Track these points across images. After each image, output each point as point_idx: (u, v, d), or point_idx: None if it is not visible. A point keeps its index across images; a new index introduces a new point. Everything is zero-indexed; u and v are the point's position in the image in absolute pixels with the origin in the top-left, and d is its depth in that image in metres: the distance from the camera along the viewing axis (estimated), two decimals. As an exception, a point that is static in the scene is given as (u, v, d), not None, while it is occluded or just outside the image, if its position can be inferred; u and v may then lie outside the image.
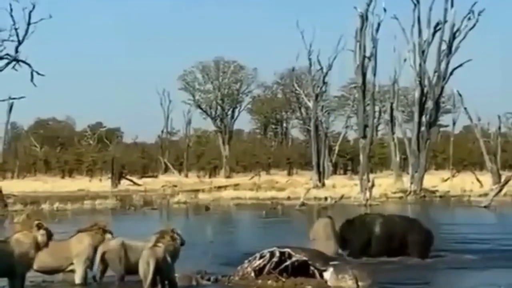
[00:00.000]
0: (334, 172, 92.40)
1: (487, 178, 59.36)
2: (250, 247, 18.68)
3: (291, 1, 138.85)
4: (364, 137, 55.66)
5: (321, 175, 65.56)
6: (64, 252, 14.34)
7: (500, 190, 46.28)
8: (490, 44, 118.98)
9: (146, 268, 13.11)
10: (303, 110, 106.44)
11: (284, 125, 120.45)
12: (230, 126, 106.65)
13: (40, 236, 12.78)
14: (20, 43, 48.13)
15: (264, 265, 15.35)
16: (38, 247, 12.83)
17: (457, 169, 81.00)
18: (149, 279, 13.07)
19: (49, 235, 13.00)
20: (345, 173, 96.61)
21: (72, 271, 14.38)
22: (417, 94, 56.02)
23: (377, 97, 68.98)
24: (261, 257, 15.46)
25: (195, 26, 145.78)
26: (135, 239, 14.12)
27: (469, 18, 54.82)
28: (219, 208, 43.12)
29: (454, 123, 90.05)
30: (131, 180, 74.71)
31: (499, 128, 70.68)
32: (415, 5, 55.12)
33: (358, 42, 55.42)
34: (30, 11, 48.25)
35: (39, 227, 12.81)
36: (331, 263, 15.01)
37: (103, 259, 13.62)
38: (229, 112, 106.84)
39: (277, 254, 15.33)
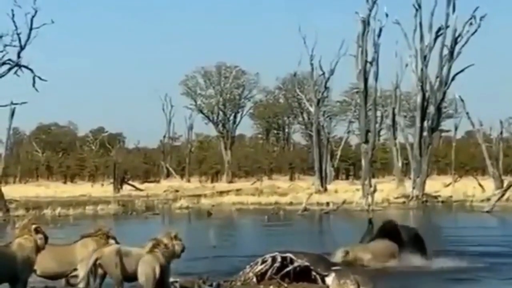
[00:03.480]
0: (336, 177, 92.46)
1: (489, 183, 59.33)
2: (252, 252, 18.69)
3: (293, 6, 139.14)
4: (366, 142, 55.65)
5: (323, 180, 65.55)
6: (69, 257, 14.32)
7: (503, 195, 46.26)
8: (492, 49, 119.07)
9: (149, 273, 13.11)
10: (305, 115, 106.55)
11: (286, 130, 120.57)
12: (232, 131, 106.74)
13: (39, 240, 12.81)
14: (22, 48, 48.15)
15: (266, 270, 15.35)
16: (38, 251, 12.86)
17: (459, 174, 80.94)
18: (152, 284, 13.10)
19: (46, 239, 13.05)
20: (347, 178, 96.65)
21: (76, 276, 14.36)
22: (419, 99, 55.98)
23: (379, 102, 69.08)
24: (263, 262, 15.46)
25: (197, 31, 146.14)
26: (131, 246, 14.08)
27: (471, 23, 54.88)
28: (221, 213, 43.13)
29: (456, 128, 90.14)
30: (133, 185, 74.76)
31: (501, 133, 70.64)
32: (416, 10, 55.15)
33: (360, 47, 55.45)
34: (32, 17, 48.24)
35: (37, 231, 12.83)
36: (333, 268, 15.01)
37: (96, 266, 13.57)
38: (231, 117, 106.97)
39: (279, 259, 15.33)
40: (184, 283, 14.86)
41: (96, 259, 13.40)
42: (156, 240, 13.54)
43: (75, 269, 14.28)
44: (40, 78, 49.03)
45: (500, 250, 22.68)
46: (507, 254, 21.44)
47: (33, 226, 12.89)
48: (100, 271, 13.48)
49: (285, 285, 15.02)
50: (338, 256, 18.17)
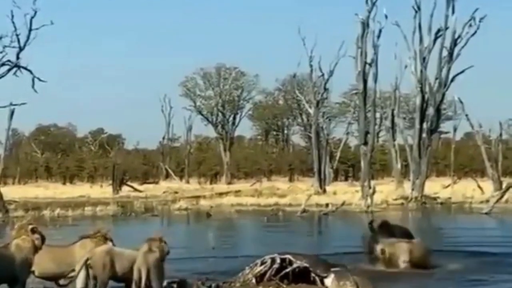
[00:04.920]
0: (335, 178, 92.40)
1: (488, 185, 59.31)
2: (251, 253, 18.68)
3: (293, 7, 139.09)
4: (365, 143, 55.62)
5: (322, 181, 65.51)
6: (67, 257, 14.31)
7: (501, 197, 46.27)
8: (492, 50, 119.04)
9: (137, 274, 13.17)
10: (304, 116, 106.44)
11: (285, 131, 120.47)
12: (231, 132, 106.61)
13: (36, 240, 12.80)
14: (21, 49, 48.11)
15: (265, 272, 15.34)
16: (35, 251, 12.86)
17: (458, 175, 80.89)
18: (142, 283, 13.15)
19: (43, 240, 13.04)
20: (346, 180, 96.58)
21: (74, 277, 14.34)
22: (418, 100, 56.00)
23: (378, 104, 68.96)
24: (262, 263, 15.46)
25: (197, 33, 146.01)
26: (128, 247, 14.11)
27: (470, 25, 54.83)
28: (220, 214, 43.11)
29: (455, 130, 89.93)
30: (132, 187, 74.71)
31: (500, 134, 70.51)
32: (416, 12, 55.15)
33: (359, 49, 55.42)
34: (32, 17, 48.18)
35: (33, 231, 12.82)
36: (332, 269, 15.00)
37: (87, 266, 13.57)
38: (230, 119, 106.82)
39: (278, 260, 15.32)
40: (183, 284, 14.85)
41: (87, 259, 13.41)
42: (150, 240, 13.62)
43: (74, 270, 14.27)
44: (39, 79, 49.04)
45: (504, 250, 22.69)
46: (498, 255, 21.53)
47: (30, 227, 12.89)
48: (92, 271, 13.49)
49: (284, 286, 15.01)
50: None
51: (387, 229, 19.04)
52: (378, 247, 18.39)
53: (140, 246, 13.58)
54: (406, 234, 19.33)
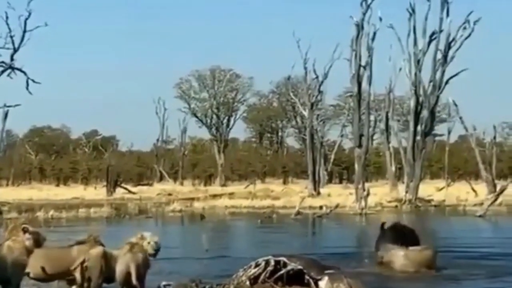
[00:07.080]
0: (330, 181, 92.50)
1: (482, 188, 59.42)
2: (245, 256, 18.65)
3: (288, 9, 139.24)
4: (360, 146, 55.62)
5: (316, 184, 65.53)
6: (63, 260, 14.23)
7: (495, 200, 46.28)
8: (486, 53, 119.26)
9: (124, 271, 13.15)
10: (298, 118, 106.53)
11: (280, 133, 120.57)
12: (226, 134, 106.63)
13: (27, 240, 12.68)
14: (15, 50, 48.14)
15: (259, 274, 15.30)
16: (28, 252, 12.76)
17: (452, 178, 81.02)
18: (134, 281, 13.13)
19: (40, 239, 12.92)
20: (340, 182, 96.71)
21: (70, 280, 14.28)
22: (412, 103, 56.06)
23: (373, 106, 69.05)
24: (256, 265, 15.42)
25: (192, 35, 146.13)
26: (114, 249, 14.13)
27: (465, 28, 54.97)
28: (214, 217, 43.05)
29: (449, 133, 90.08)
30: (126, 188, 74.62)
31: (494, 137, 70.72)
32: (410, 14, 55.25)
33: (353, 51, 55.43)
34: (26, 19, 48.33)
35: (24, 231, 12.73)
36: (326, 271, 14.97)
37: (83, 268, 13.54)
38: (225, 121, 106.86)
39: (272, 262, 15.29)
40: (177, 287, 14.82)
41: (83, 261, 13.38)
42: (131, 242, 13.64)
43: (69, 273, 14.21)
44: (33, 81, 49.06)
45: (499, 251, 22.73)
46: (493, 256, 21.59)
47: (21, 226, 12.79)
48: (86, 273, 13.45)
49: (278, 288, 14.99)
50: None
51: (397, 232, 19.09)
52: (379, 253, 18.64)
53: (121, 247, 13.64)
54: (414, 238, 19.36)
